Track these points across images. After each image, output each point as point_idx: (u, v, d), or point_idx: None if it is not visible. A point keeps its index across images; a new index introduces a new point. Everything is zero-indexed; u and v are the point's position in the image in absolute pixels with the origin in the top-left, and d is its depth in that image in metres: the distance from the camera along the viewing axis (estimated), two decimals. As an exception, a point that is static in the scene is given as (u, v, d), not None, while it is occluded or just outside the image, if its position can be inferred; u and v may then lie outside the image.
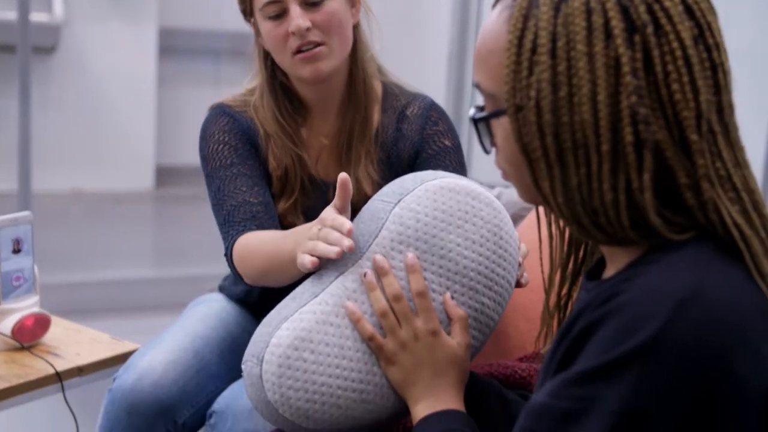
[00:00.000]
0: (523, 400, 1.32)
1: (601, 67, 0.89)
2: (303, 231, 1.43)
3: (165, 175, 5.42)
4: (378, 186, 1.72)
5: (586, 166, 0.91)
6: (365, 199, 1.71)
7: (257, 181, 1.76)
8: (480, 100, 1.03)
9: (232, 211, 1.72)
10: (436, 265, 1.30)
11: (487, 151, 1.03)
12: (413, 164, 1.81)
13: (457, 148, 1.83)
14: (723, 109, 0.93)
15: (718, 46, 0.92)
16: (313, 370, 1.27)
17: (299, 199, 1.78)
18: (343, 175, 1.34)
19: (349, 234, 1.29)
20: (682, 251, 0.90)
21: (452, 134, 1.84)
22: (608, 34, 0.89)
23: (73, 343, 1.93)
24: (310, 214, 1.76)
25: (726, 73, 0.93)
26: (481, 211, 1.33)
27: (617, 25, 0.89)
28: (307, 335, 1.28)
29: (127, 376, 1.74)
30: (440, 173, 1.37)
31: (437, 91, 3.70)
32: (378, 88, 1.85)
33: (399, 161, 1.81)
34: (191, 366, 1.78)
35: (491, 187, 2.22)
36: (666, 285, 0.86)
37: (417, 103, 1.84)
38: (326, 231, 1.31)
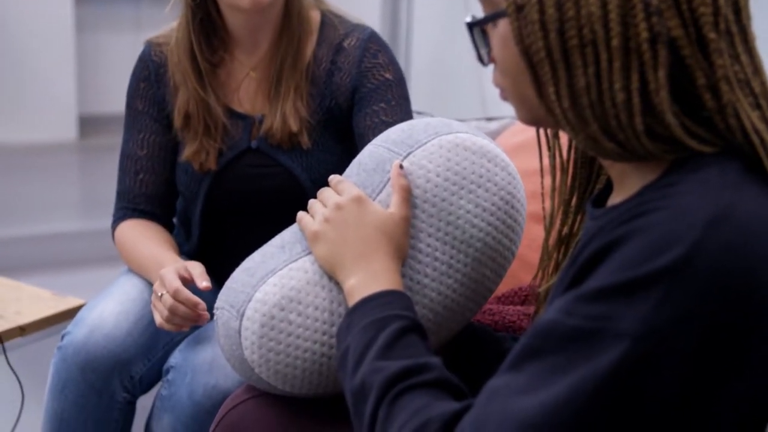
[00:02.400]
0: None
1: None
2: (157, 275, 1.59)
3: (88, 124, 5.32)
4: (306, 123, 1.72)
5: (595, 65, 0.84)
6: (289, 135, 1.72)
7: (147, 166, 1.82)
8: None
9: (123, 191, 1.83)
10: (442, 231, 1.21)
11: (484, 63, 0.96)
12: (351, 100, 1.75)
13: (399, 81, 1.77)
14: (740, 10, 0.87)
15: None
16: (297, 334, 1.18)
17: (204, 142, 1.76)
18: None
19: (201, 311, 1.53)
20: (706, 170, 0.84)
21: (393, 66, 1.79)
22: None
23: (12, 300, 1.85)
24: (230, 146, 1.76)
25: None
26: (496, 176, 1.24)
27: None
28: (296, 295, 1.18)
29: (77, 331, 1.66)
30: (455, 125, 1.28)
31: (371, 23, 3.62)
32: (315, 18, 1.79)
33: (333, 96, 1.76)
34: (143, 316, 1.70)
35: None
36: (696, 204, 0.81)
37: (355, 35, 1.78)
38: (174, 306, 1.52)
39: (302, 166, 1.74)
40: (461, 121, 2.12)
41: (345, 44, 1.76)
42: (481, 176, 1.23)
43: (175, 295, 1.53)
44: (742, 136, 0.85)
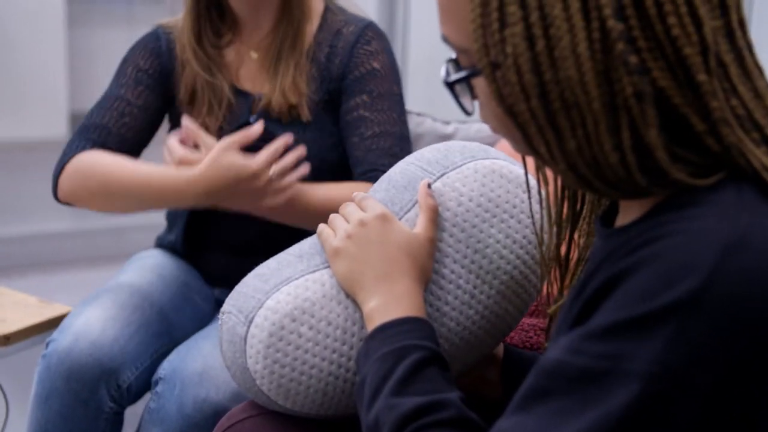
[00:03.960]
0: None
1: (577, 12, 0.77)
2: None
3: (79, 121, 5.21)
4: (308, 99, 1.76)
5: (582, 127, 0.79)
6: (288, 108, 1.76)
7: (136, 113, 1.80)
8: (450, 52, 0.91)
9: (96, 125, 1.78)
10: (469, 258, 1.14)
11: (468, 113, 0.91)
12: (341, 84, 1.78)
13: (386, 71, 1.80)
14: (733, 32, 0.81)
15: None
16: (306, 348, 1.11)
17: (206, 119, 1.78)
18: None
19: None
20: (722, 191, 0.79)
21: (384, 56, 1.82)
22: None
23: (-4, 307, 1.77)
24: (230, 125, 1.78)
25: None
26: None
27: None
28: (310, 308, 1.12)
29: (62, 338, 1.61)
30: (492, 151, 1.23)
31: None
32: (318, 6, 1.84)
33: (332, 79, 1.79)
34: (131, 323, 1.65)
35: (446, 123, 2.10)
36: (710, 228, 0.76)
37: (355, 23, 1.83)
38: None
39: (298, 142, 1.69)
40: (459, 122, 2.08)
41: (344, 30, 1.81)
42: (515, 206, 1.17)
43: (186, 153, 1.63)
44: (754, 173, 0.80)
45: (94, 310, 1.65)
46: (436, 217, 1.14)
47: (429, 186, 1.15)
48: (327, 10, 1.84)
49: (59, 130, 5.19)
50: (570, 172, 0.82)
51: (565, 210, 1.02)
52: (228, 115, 1.79)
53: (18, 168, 4.86)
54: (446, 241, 1.15)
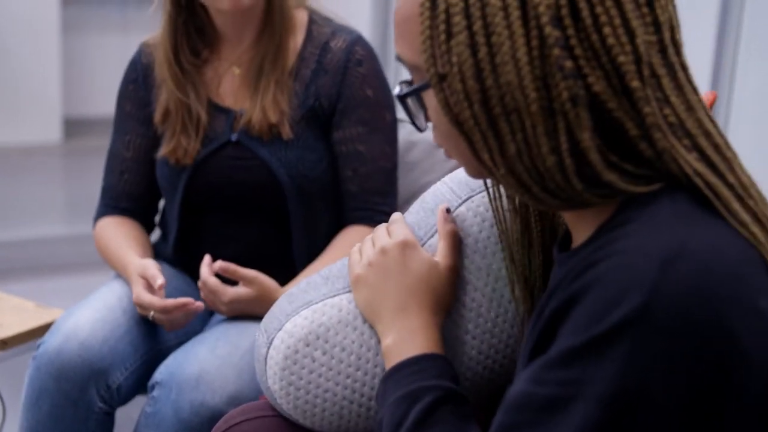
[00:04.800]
0: None
1: (516, 20, 0.81)
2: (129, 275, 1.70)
3: (74, 126, 5.26)
4: (289, 118, 1.74)
5: (522, 132, 0.83)
6: (269, 126, 1.74)
7: (133, 167, 1.87)
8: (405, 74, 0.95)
9: (107, 188, 1.90)
10: (490, 287, 1.11)
11: (420, 129, 0.96)
12: (335, 104, 1.77)
13: (380, 98, 1.78)
14: (666, 48, 0.85)
15: None
16: (320, 373, 1.13)
17: (181, 139, 1.78)
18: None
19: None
20: (656, 205, 0.82)
21: (376, 80, 1.80)
22: None
23: (-6, 312, 1.79)
24: (212, 139, 1.78)
25: (665, 8, 0.85)
26: None
27: None
28: (324, 333, 1.13)
29: (52, 339, 1.63)
30: None
31: (361, 26, 3.58)
32: (302, 17, 1.81)
33: (317, 96, 1.77)
34: (120, 324, 1.67)
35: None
36: (648, 244, 0.78)
37: (342, 36, 1.80)
38: (158, 319, 1.65)
39: (280, 161, 1.73)
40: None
41: (332, 44, 1.78)
42: None
43: (143, 307, 1.65)
44: (686, 179, 0.83)
45: (85, 312, 1.67)
46: (457, 243, 1.12)
47: (448, 210, 1.14)
48: (312, 21, 1.81)
49: (53, 134, 5.19)
50: (511, 178, 0.85)
51: (528, 238, 1.04)
52: (209, 131, 1.78)
53: (13, 172, 4.87)
54: (467, 267, 1.12)
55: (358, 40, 1.80)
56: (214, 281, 1.66)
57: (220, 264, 1.66)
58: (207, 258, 1.69)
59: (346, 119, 1.77)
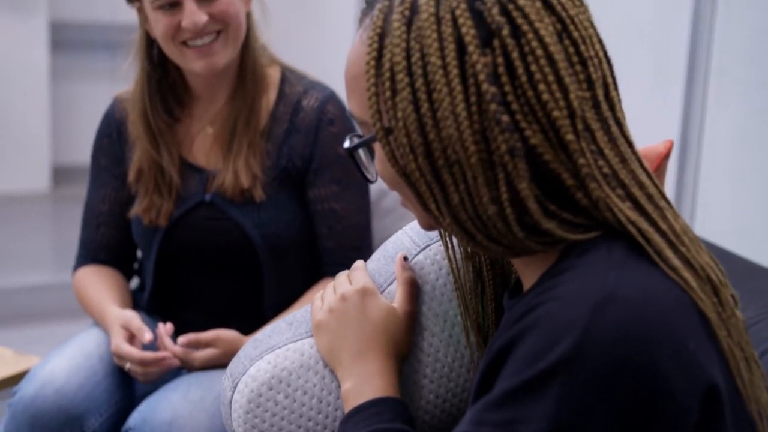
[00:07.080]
0: None
1: (455, 78, 0.85)
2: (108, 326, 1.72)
3: (62, 174, 5.26)
4: (261, 180, 1.75)
5: (464, 182, 0.87)
6: (241, 191, 1.75)
7: (109, 221, 1.89)
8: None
9: (84, 241, 1.93)
10: (447, 332, 1.14)
11: (371, 181, 1.01)
12: (308, 164, 1.79)
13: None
14: (599, 104, 0.89)
15: (587, 39, 0.89)
16: (282, 416, 1.15)
17: (154, 199, 1.80)
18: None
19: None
20: (594, 252, 0.86)
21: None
22: (460, 43, 0.86)
23: (-29, 359, 1.79)
24: (185, 200, 1.80)
25: (598, 66, 0.89)
26: None
27: (468, 32, 0.85)
28: (287, 377, 1.15)
29: (27, 387, 1.64)
30: None
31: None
32: (275, 75, 1.83)
33: (290, 156, 1.79)
34: (97, 371, 1.68)
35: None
36: (581, 290, 0.82)
37: (314, 94, 1.82)
38: (133, 371, 1.68)
39: (254, 222, 1.74)
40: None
41: (304, 103, 1.80)
42: None
43: (121, 358, 1.67)
44: (620, 226, 0.86)
45: (61, 359, 1.68)
46: (413, 290, 1.15)
47: (406, 258, 1.16)
48: (284, 79, 1.83)
49: (41, 182, 5.19)
50: (456, 227, 0.89)
51: (482, 288, 1.08)
52: (182, 190, 1.80)
53: (1, 220, 4.86)
54: (425, 314, 1.15)
55: (330, 98, 1.81)
56: (180, 351, 1.69)
57: (180, 341, 1.70)
58: (165, 329, 1.71)
59: (320, 178, 1.79)
